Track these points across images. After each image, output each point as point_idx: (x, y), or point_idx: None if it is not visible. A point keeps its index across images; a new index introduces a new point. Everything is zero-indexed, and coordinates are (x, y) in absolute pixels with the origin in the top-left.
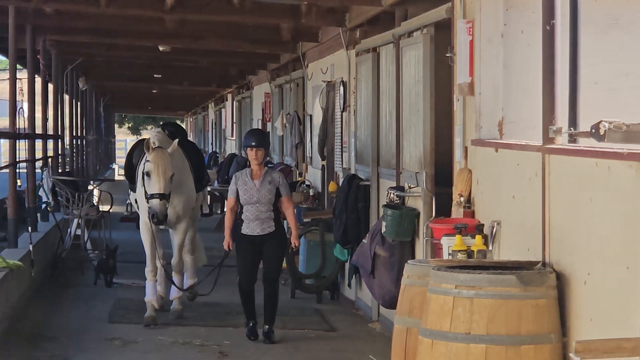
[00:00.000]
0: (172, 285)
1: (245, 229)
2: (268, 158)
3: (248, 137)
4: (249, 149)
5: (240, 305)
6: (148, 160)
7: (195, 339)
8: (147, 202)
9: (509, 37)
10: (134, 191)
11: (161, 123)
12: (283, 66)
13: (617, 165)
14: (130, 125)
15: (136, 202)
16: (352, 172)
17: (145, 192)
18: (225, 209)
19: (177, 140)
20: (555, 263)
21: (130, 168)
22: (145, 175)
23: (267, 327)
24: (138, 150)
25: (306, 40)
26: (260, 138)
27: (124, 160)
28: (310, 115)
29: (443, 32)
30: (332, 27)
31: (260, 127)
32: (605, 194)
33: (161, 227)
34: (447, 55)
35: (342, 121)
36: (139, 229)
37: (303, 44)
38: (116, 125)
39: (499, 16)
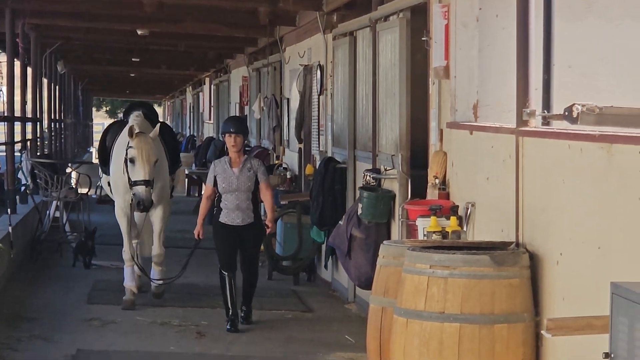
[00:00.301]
0: (153, 270)
1: (225, 218)
2: (245, 142)
3: (227, 123)
4: (227, 135)
5: (217, 287)
6: (131, 147)
7: (173, 320)
8: (131, 188)
9: (484, 21)
10: (107, 174)
11: (130, 104)
12: (261, 50)
13: (589, 147)
14: (108, 108)
15: (108, 184)
16: (329, 154)
17: (129, 178)
18: (202, 193)
19: (159, 125)
20: (529, 243)
21: (104, 150)
22: (128, 162)
23: (244, 308)
24: (112, 132)
25: (284, 24)
26: (238, 124)
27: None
28: (288, 99)
29: (419, 16)
30: (309, 11)
31: (237, 111)
32: (577, 176)
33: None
34: (422, 39)
35: (319, 104)
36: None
37: (280, 27)
38: (94, 109)
39: (474, 0)
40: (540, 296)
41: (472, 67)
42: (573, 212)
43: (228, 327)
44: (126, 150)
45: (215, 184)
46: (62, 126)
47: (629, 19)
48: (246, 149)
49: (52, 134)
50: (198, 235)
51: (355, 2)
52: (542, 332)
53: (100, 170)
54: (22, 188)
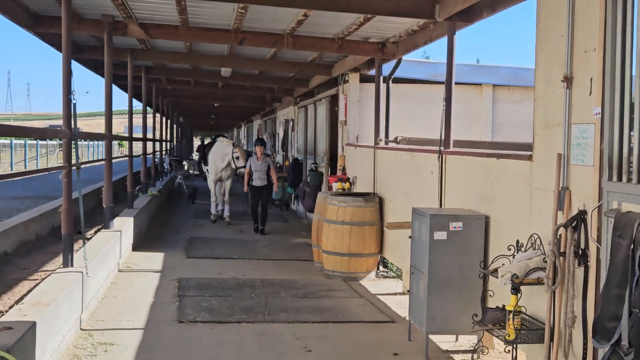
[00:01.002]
0: (224, 209)
1: (253, 183)
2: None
3: (256, 140)
4: (256, 146)
5: (250, 215)
6: (235, 151)
7: (231, 225)
8: (237, 170)
9: (361, 101)
10: (206, 164)
11: (214, 135)
12: (266, 112)
13: (403, 153)
14: (199, 137)
15: (207, 171)
16: (296, 156)
17: (236, 165)
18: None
19: (242, 144)
20: (379, 193)
21: (204, 154)
22: (234, 158)
23: (262, 227)
24: (208, 147)
25: (277, 102)
26: (261, 141)
27: (197, 151)
28: (278, 134)
29: (334, 99)
30: (288, 97)
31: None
32: (399, 165)
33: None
34: (335, 108)
35: (291, 136)
36: (206, 181)
37: (275, 103)
38: (194, 137)
39: (357, 93)
40: (384, 214)
41: (356, 120)
42: (397, 180)
43: (254, 230)
44: (232, 153)
45: (250, 167)
46: (181, 144)
47: (421, 102)
48: (265, 154)
49: (177, 147)
50: (245, 189)
51: (307, 93)
52: (385, 228)
53: (202, 163)
54: (165, 170)
